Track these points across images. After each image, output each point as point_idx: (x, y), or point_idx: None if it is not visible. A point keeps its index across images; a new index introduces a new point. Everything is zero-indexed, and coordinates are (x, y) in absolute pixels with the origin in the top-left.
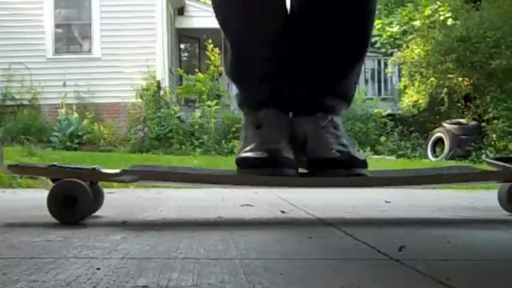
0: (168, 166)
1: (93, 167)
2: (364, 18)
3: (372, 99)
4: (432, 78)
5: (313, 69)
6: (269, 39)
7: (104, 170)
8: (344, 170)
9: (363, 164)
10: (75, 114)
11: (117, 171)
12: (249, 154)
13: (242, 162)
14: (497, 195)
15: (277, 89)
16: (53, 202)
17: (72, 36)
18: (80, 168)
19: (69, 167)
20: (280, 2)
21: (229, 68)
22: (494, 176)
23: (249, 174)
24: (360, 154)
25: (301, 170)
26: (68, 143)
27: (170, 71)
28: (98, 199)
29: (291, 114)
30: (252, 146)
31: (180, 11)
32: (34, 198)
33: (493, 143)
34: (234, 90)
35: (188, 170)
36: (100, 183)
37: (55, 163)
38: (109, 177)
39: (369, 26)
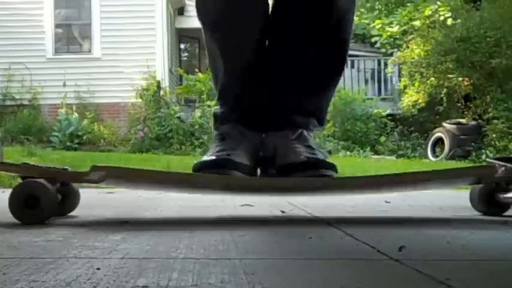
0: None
1: (64, 167)
2: (344, 30)
3: (372, 99)
4: (432, 78)
5: (285, 85)
6: (245, 55)
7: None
8: (310, 171)
9: (331, 166)
10: (75, 114)
11: (86, 170)
12: (203, 159)
13: (193, 168)
14: (468, 196)
15: (244, 106)
16: (15, 202)
17: (72, 36)
18: (50, 168)
19: (40, 166)
20: (259, 16)
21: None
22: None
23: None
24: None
25: None
26: (68, 143)
27: (170, 71)
28: (70, 199)
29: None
30: (208, 154)
31: (180, 11)
32: None
33: (493, 143)
34: None
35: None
36: (74, 185)
37: (28, 162)
38: (78, 177)
39: (347, 42)
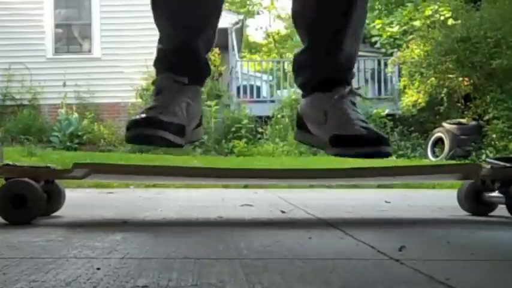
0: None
1: (47, 165)
2: None
3: (372, 99)
4: (432, 79)
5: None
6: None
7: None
8: (370, 147)
9: (388, 142)
10: (75, 114)
11: (69, 167)
12: (133, 117)
13: (127, 124)
14: (456, 196)
15: (181, 54)
16: (2, 202)
17: (72, 36)
18: (32, 167)
19: (22, 166)
20: None
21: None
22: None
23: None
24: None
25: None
26: (68, 143)
27: None
28: (56, 198)
29: (297, 92)
30: (141, 109)
31: None
32: None
33: (493, 143)
34: (234, 89)
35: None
36: (58, 182)
37: (9, 162)
38: (61, 174)
39: None
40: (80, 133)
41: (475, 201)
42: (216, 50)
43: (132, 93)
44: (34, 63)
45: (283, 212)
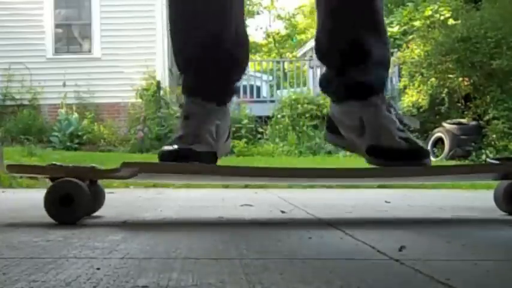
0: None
1: (92, 165)
2: None
3: None
4: (432, 79)
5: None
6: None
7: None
8: (411, 161)
9: (428, 154)
10: (75, 114)
11: (116, 167)
12: (165, 148)
13: (159, 155)
14: (493, 196)
15: (207, 77)
16: (50, 202)
17: (72, 36)
18: (79, 167)
19: (68, 166)
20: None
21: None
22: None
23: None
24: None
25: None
26: (68, 143)
27: (170, 71)
28: (98, 199)
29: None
30: (175, 137)
31: None
32: (34, 198)
33: (493, 143)
34: None
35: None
36: (100, 183)
37: (55, 162)
38: (108, 174)
39: None
40: (80, 133)
41: None
42: None
43: (132, 93)
44: (34, 63)
45: (283, 212)
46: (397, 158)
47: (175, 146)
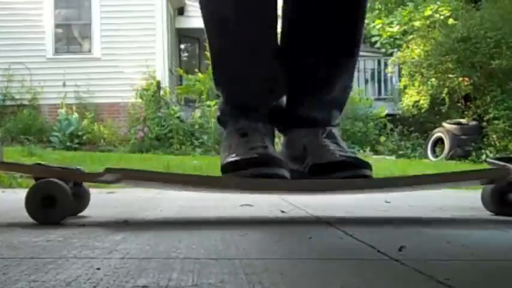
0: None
1: (77, 167)
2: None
3: (372, 99)
4: (433, 79)
5: (307, 70)
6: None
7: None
8: (349, 171)
9: (369, 165)
10: (75, 114)
11: (100, 171)
12: (238, 158)
13: (231, 166)
14: (480, 196)
15: (267, 100)
16: (31, 201)
17: (72, 36)
18: (63, 168)
19: (53, 167)
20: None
21: (218, 74)
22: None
23: (240, 177)
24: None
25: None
26: (68, 143)
27: (170, 71)
28: (81, 200)
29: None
30: (239, 151)
31: (180, 11)
32: None
33: (493, 143)
34: None
35: (174, 174)
36: (85, 184)
37: (40, 162)
38: (92, 178)
39: (360, 23)
40: (79, 133)
41: (501, 202)
42: None
43: (132, 93)
44: (34, 63)
45: (283, 212)
46: (336, 170)
47: (248, 155)
